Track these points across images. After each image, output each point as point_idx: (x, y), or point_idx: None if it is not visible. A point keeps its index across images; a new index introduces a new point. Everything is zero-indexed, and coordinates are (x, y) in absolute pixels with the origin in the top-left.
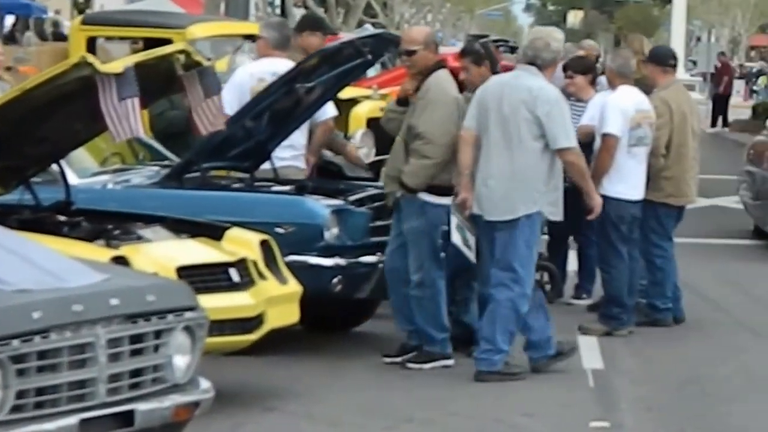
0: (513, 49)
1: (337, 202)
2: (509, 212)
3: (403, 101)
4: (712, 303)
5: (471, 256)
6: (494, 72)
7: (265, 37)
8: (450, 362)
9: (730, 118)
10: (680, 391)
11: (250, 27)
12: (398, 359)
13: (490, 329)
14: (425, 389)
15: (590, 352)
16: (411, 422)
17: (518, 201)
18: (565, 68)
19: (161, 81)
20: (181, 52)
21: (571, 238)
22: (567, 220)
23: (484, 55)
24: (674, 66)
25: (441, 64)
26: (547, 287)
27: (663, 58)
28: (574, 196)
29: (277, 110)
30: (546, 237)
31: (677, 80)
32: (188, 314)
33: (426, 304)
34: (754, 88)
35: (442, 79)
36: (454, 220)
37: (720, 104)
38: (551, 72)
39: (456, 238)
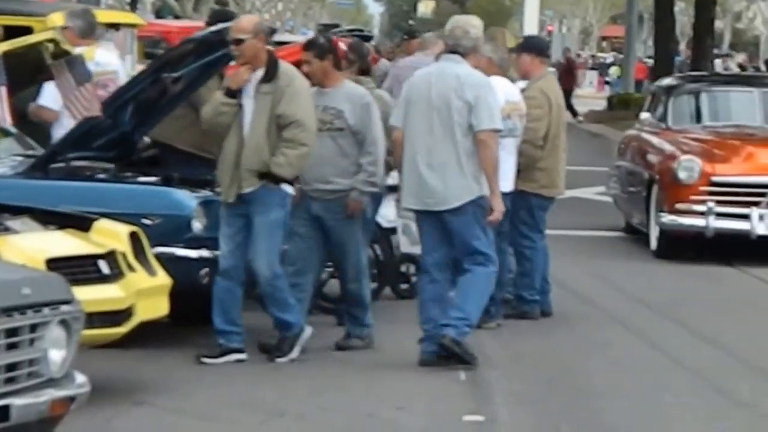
0: (367, 38)
1: (204, 193)
2: (461, 198)
3: (233, 93)
4: (580, 296)
5: (419, 250)
6: (337, 67)
7: (70, 26)
8: (243, 356)
9: (585, 109)
10: (552, 385)
11: (111, 15)
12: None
13: (464, 301)
14: (296, 383)
15: None
16: (283, 417)
17: (466, 187)
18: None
19: (30, 69)
20: (50, 41)
21: None
22: None
23: (327, 49)
24: (549, 56)
25: (272, 55)
26: (414, 279)
27: (540, 48)
28: None
29: (142, 100)
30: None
31: (549, 71)
32: (64, 308)
33: (279, 295)
34: (607, 79)
35: (293, 68)
36: (400, 223)
37: (565, 98)
38: (474, 59)
39: (405, 244)
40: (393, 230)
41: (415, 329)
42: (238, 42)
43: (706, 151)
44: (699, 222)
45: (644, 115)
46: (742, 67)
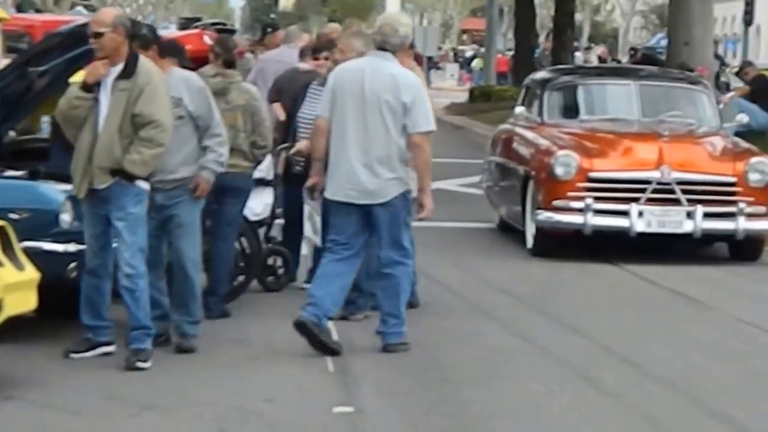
0: (231, 32)
1: (71, 186)
2: (389, 194)
3: (90, 87)
4: (447, 288)
5: (318, 240)
6: (161, 56)
7: None
8: (111, 348)
9: (447, 101)
10: (421, 376)
11: None
12: (87, 354)
13: (394, 304)
14: (165, 376)
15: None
16: (153, 410)
17: (395, 182)
18: (316, 51)
19: None
20: None
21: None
22: (302, 205)
23: (151, 39)
24: (413, 48)
25: (133, 51)
26: (281, 272)
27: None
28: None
29: (8, 95)
30: (280, 221)
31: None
32: None
33: (140, 296)
34: (471, 68)
35: (152, 64)
36: (307, 209)
37: None
38: (402, 56)
39: (308, 229)
40: (260, 223)
41: (283, 322)
42: (98, 35)
43: (583, 146)
44: (577, 219)
45: (519, 110)
46: (601, 59)
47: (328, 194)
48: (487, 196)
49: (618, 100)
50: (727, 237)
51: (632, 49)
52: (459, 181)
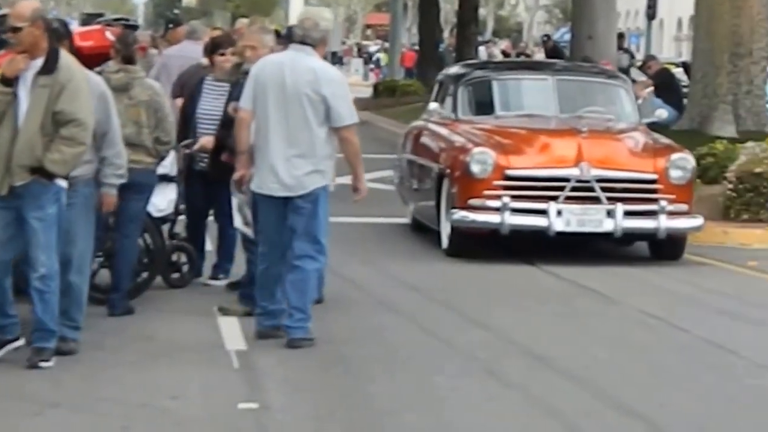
0: (134, 27)
1: None
2: (308, 187)
3: (9, 81)
4: (352, 283)
5: (251, 232)
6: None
7: None
8: (20, 343)
9: (351, 96)
10: (326, 372)
11: None
12: None
13: (302, 299)
14: (69, 374)
15: (232, 332)
16: (57, 408)
17: (315, 175)
18: (217, 46)
19: None
20: None
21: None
22: (205, 201)
23: (64, 34)
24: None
25: (53, 46)
26: (185, 268)
27: None
28: (210, 175)
29: None
30: (183, 217)
31: None
32: None
33: (49, 298)
34: (374, 64)
35: (73, 60)
36: (235, 202)
37: None
38: (322, 50)
39: (238, 221)
40: (164, 219)
41: (188, 318)
42: (15, 30)
43: (499, 143)
44: (494, 218)
45: (432, 106)
46: (505, 53)
47: (254, 186)
48: (399, 195)
49: (535, 95)
50: (649, 236)
51: (545, 36)
52: (365, 176)
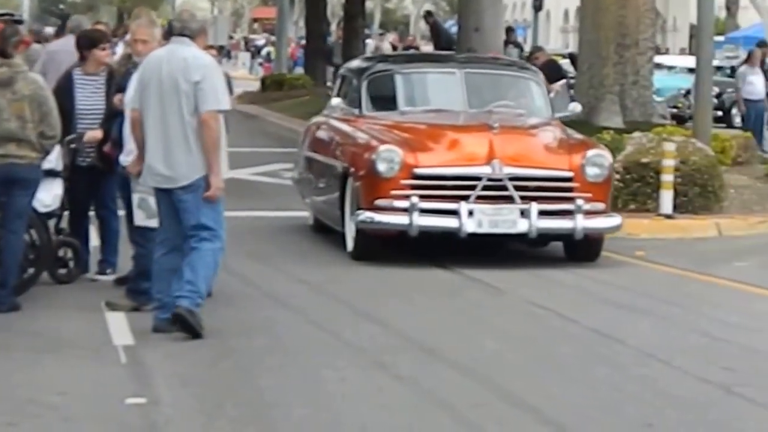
0: (19, 22)
1: None
2: (190, 177)
3: None
4: (240, 277)
5: (155, 223)
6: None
7: None
8: None
9: (239, 90)
10: (215, 366)
11: None
12: None
13: (193, 273)
14: None
15: (119, 327)
16: None
17: (195, 165)
18: (96, 41)
19: None
20: None
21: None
22: (88, 196)
23: None
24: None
25: None
26: (71, 264)
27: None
28: (94, 170)
29: None
30: (67, 213)
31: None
32: None
33: None
34: (264, 58)
35: None
36: (136, 198)
37: None
38: (202, 41)
39: (139, 218)
40: (50, 215)
41: (75, 314)
42: None
43: (406, 140)
44: (402, 219)
45: (335, 101)
46: (393, 46)
47: (142, 180)
48: (300, 194)
49: (442, 89)
50: (565, 236)
51: (427, 11)
52: (253, 170)
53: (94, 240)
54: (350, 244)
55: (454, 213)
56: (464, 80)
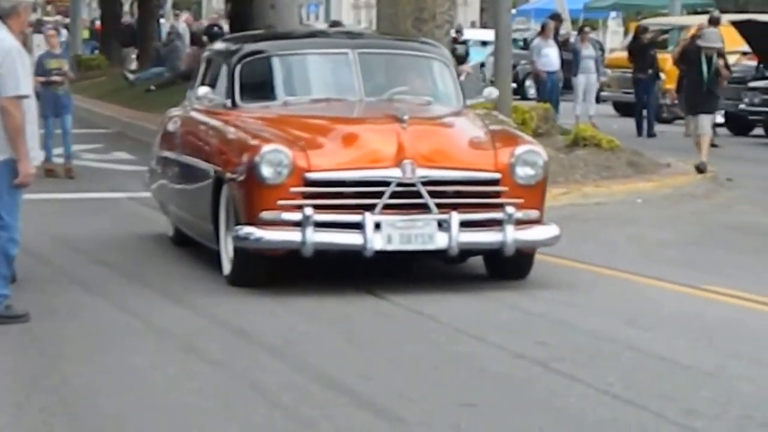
0: None
1: None
2: None
3: None
4: (44, 260)
5: None
6: None
7: None
8: None
9: None
10: (21, 353)
11: None
12: None
13: None
14: None
15: None
16: None
17: None
18: None
19: None
20: None
21: None
22: None
23: None
24: None
25: None
26: None
27: None
28: None
29: None
30: None
31: None
32: None
33: None
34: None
35: None
36: None
37: None
38: (17, 22)
39: None
40: None
41: None
42: None
43: (295, 138)
44: (293, 236)
45: (202, 90)
46: (188, 26)
47: None
48: (158, 203)
49: (333, 74)
50: (493, 252)
51: None
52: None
53: None
54: (227, 267)
55: (357, 226)
56: (358, 62)
